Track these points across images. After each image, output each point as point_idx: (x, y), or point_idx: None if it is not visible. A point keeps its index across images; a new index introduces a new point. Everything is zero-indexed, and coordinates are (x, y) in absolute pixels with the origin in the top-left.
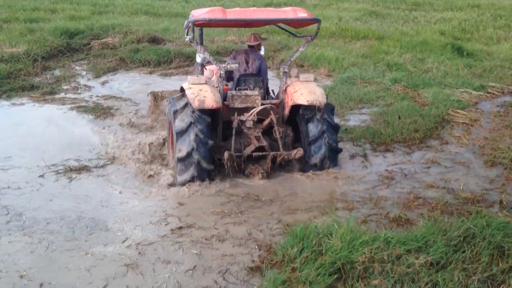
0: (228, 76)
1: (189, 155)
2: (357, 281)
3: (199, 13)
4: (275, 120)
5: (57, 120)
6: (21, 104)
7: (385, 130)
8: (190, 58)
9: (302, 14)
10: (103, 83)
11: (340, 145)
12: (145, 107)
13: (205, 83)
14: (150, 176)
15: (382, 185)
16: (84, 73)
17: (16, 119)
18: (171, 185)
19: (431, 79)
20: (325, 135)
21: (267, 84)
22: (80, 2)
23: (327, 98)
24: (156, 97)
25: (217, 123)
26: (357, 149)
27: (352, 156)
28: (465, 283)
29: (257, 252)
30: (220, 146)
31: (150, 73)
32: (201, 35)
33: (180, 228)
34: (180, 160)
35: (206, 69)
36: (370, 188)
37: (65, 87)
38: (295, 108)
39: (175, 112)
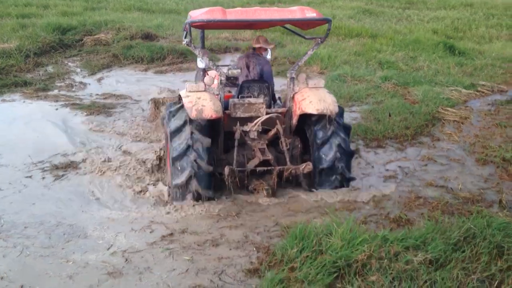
0: (233, 82)
1: (186, 183)
2: (355, 277)
3: (197, 14)
4: (281, 131)
5: (51, 118)
6: (12, 101)
7: (376, 127)
8: (183, 55)
9: (310, 14)
10: (99, 80)
11: None
12: (144, 107)
13: (204, 91)
14: (140, 192)
15: (382, 184)
16: (78, 70)
17: (7, 115)
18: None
19: (422, 77)
20: (335, 136)
21: (273, 90)
22: None
23: (342, 113)
24: (157, 104)
25: (218, 134)
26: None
27: None
28: (464, 282)
29: (255, 254)
30: (221, 159)
31: (146, 70)
32: (202, 37)
33: (171, 234)
34: (176, 187)
35: (208, 74)
36: (369, 187)
37: (59, 84)
38: (304, 117)
39: (172, 133)
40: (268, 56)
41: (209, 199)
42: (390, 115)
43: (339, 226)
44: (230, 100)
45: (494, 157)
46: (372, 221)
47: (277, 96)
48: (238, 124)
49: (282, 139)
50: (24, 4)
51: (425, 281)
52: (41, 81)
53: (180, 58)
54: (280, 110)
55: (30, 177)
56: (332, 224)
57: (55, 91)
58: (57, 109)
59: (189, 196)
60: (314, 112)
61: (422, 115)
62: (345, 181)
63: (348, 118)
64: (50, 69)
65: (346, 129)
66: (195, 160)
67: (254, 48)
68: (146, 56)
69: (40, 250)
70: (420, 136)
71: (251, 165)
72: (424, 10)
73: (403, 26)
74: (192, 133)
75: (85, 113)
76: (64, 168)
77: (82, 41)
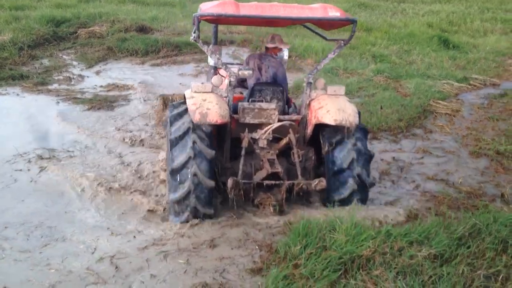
0: (245, 84)
1: (183, 198)
2: (358, 271)
3: (207, 7)
4: (294, 141)
5: (54, 113)
6: (14, 94)
7: (369, 119)
8: (178, 48)
9: (334, 13)
10: (98, 73)
11: None
12: (144, 101)
13: (211, 92)
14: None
15: (382, 179)
16: (74, 63)
17: (6, 109)
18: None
19: (414, 71)
20: (355, 165)
21: (287, 95)
22: None
23: (360, 118)
24: (166, 102)
25: (224, 140)
26: None
27: None
28: (470, 278)
29: (257, 253)
30: (227, 168)
31: (142, 63)
32: (215, 32)
33: (163, 236)
34: (173, 202)
35: (219, 73)
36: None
37: (56, 78)
38: (319, 127)
39: (173, 141)
40: (285, 57)
41: (209, 216)
42: (381, 108)
43: (342, 221)
44: (240, 104)
45: (487, 150)
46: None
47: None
48: (246, 130)
49: (295, 150)
50: None
51: (430, 276)
52: (38, 75)
53: (174, 51)
54: (294, 117)
55: (20, 170)
56: (336, 220)
57: (55, 85)
58: (58, 102)
59: (186, 213)
60: (332, 123)
61: (414, 107)
62: (363, 186)
63: None
64: (45, 62)
65: (363, 131)
66: (195, 174)
67: (267, 48)
68: (141, 49)
69: (16, 255)
70: (413, 128)
71: (258, 177)
72: (419, 3)
73: (398, 20)
74: (194, 142)
75: (87, 107)
76: (58, 161)
77: (76, 34)
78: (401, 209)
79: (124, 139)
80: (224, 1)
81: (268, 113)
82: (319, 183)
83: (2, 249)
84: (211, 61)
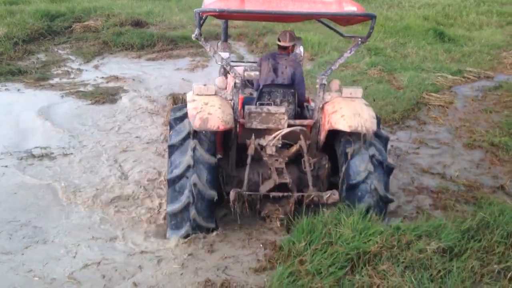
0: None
1: (182, 210)
2: (364, 266)
3: (210, 1)
4: (305, 148)
5: (59, 108)
6: (16, 90)
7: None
8: (174, 42)
9: (350, 7)
10: (96, 67)
11: None
12: (145, 96)
13: (214, 95)
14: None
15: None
16: (72, 57)
17: (7, 106)
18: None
19: (409, 64)
20: (372, 179)
21: (302, 97)
22: None
23: (379, 123)
24: (176, 101)
25: (229, 146)
26: None
27: None
28: (480, 273)
29: (262, 252)
30: (232, 176)
31: (138, 57)
32: (225, 29)
33: (156, 238)
34: (172, 214)
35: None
36: None
37: (55, 72)
38: (334, 132)
39: (172, 147)
40: (301, 54)
41: (212, 230)
42: (374, 100)
43: (348, 216)
44: (246, 107)
45: (482, 142)
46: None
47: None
48: (253, 136)
49: (306, 158)
50: None
51: (439, 271)
52: (37, 70)
53: (170, 45)
54: (306, 122)
55: (6, 166)
56: (341, 214)
57: (56, 80)
58: (62, 96)
59: (185, 227)
60: (346, 129)
61: (407, 100)
62: (380, 201)
63: None
64: (42, 57)
65: (383, 139)
66: (195, 184)
67: (280, 47)
68: (136, 43)
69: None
70: (407, 120)
71: (264, 188)
72: None
73: (394, 13)
74: (194, 149)
75: (90, 102)
76: (55, 157)
77: (71, 28)
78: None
79: (119, 143)
80: None
81: (276, 117)
82: (331, 196)
83: None
84: (219, 60)
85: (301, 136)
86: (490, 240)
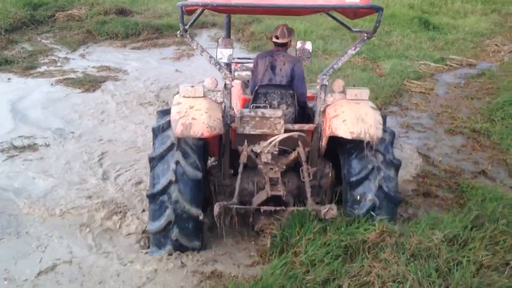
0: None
1: (164, 229)
2: (364, 253)
3: None
4: (303, 156)
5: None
6: (8, 79)
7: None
8: (159, 31)
9: None
10: (83, 56)
11: None
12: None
13: (203, 97)
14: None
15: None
16: (56, 46)
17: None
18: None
19: (393, 52)
20: (375, 175)
21: (302, 97)
22: None
23: (385, 122)
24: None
25: (221, 154)
26: None
27: None
28: (486, 264)
29: (254, 247)
30: (225, 185)
31: (124, 46)
32: (227, 23)
33: (143, 233)
34: (153, 232)
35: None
36: None
37: (42, 61)
38: (336, 138)
39: (153, 159)
40: (309, 49)
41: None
42: (354, 86)
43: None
44: (240, 110)
45: (463, 128)
46: None
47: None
48: (245, 143)
49: (304, 166)
50: None
51: (447, 261)
52: (24, 59)
53: (155, 34)
54: (306, 127)
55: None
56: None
57: (43, 68)
58: (52, 84)
59: (168, 246)
60: (347, 136)
61: (388, 87)
62: (387, 201)
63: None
64: (27, 46)
65: (389, 133)
66: (177, 201)
67: (278, 44)
68: (121, 32)
69: None
70: (389, 106)
71: (257, 200)
72: None
73: (380, 1)
74: (177, 163)
75: (80, 90)
76: (37, 148)
77: (54, 17)
78: None
79: (101, 139)
80: None
81: (272, 122)
82: (329, 211)
83: None
84: (220, 58)
85: (300, 143)
86: (493, 230)
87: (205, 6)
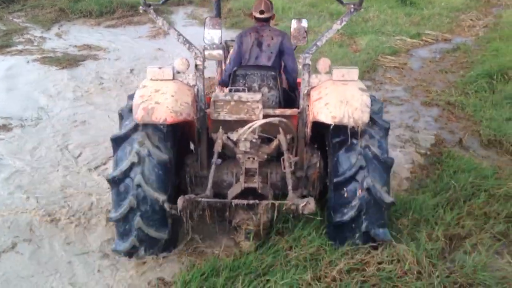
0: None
1: (126, 217)
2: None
3: None
4: (284, 144)
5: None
6: None
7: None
8: (134, 8)
9: None
10: (59, 36)
11: None
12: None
13: (172, 80)
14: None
15: None
16: (29, 25)
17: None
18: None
19: (370, 27)
20: (363, 175)
21: (294, 74)
22: None
23: (382, 110)
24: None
25: (198, 141)
26: None
27: None
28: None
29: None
30: (203, 177)
31: (98, 24)
32: (217, 2)
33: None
34: (114, 221)
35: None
36: None
37: (17, 40)
38: (321, 124)
39: (115, 140)
40: (306, 28)
41: (166, 243)
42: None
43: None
44: (213, 94)
45: (439, 101)
46: None
47: None
48: (220, 130)
49: (285, 155)
50: None
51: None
52: None
53: (130, 12)
54: (289, 112)
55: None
56: None
57: (20, 46)
58: (28, 61)
59: (131, 237)
60: (328, 121)
61: (361, 62)
62: (375, 205)
63: None
64: (0, 26)
65: (380, 128)
66: (139, 185)
67: (262, 19)
68: (95, 10)
69: None
70: (363, 81)
71: (231, 193)
72: None
73: None
74: (141, 143)
75: (57, 68)
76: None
77: None
78: None
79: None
80: None
81: (249, 106)
82: (307, 205)
83: None
84: (208, 39)
85: (281, 129)
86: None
87: None
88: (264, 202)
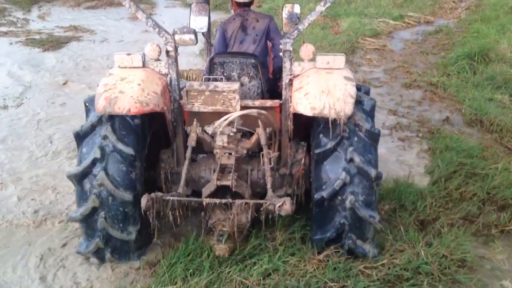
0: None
1: (88, 217)
2: None
3: None
4: (263, 138)
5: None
6: None
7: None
8: None
9: None
10: (42, 18)
11: None
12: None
13: (141, 67)
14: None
15: None
16: (7, 6)
17: None
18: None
19: (353, 9)
20: (347, 192)
21: (278, 67)
22: None
23: (373, 108)
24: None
25: (172, 136)
26: None
27: None
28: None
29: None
30: (179, 173)
31: (78, 5)
32: None
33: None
34: (77, 221)
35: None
36: None
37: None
38: (302, 117)
39: (78, 135)
40: (298, 14)
41: (136, 244)
42: (304, 42)
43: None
44: (187, 84)
45: (420, 82)
46: None
47: None
48: (195, 122)
49: (264, 150)
50: None
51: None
52: None
53: None
54: (269, 103)
55: None
56: None
57: (3, 28)
58: (11, 43)
59: (95, 238)
60: (307, 112)
61: (340, 44)
62: (360, 225)
63: None
64: None
65: (370, 134)
66: (102, 184)
67: (244, 4)
68: None
69: None
70: None
71: (205, 191)
72: None
73: None
74: (105, 138)
75: (41, 50)
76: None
77: None
78: None
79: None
80: None
81: (225, 97)
82: (283, 206)
83: None
84: (194, 26)
85: (260, 122)
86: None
87: None
88: (238, 201)
